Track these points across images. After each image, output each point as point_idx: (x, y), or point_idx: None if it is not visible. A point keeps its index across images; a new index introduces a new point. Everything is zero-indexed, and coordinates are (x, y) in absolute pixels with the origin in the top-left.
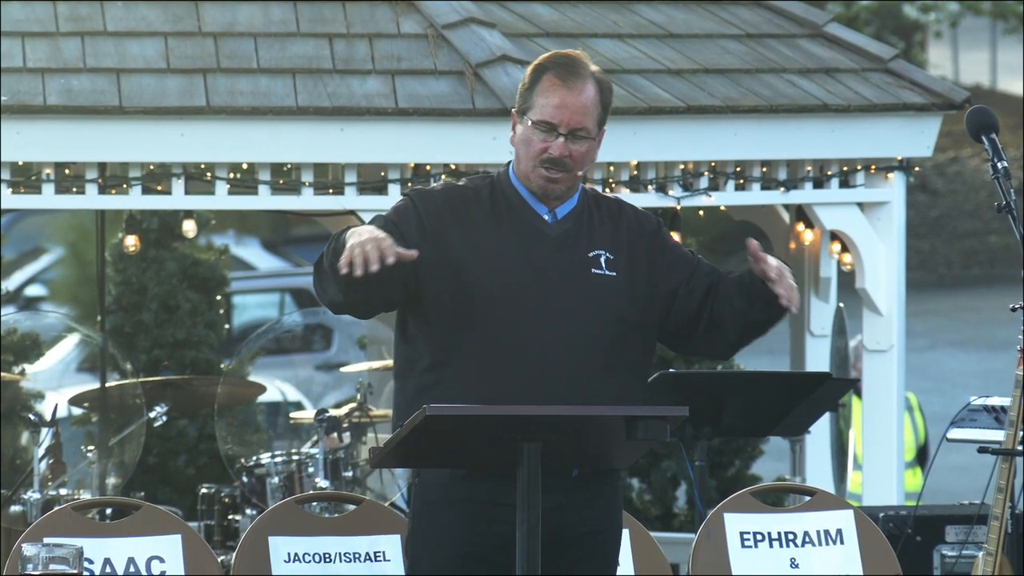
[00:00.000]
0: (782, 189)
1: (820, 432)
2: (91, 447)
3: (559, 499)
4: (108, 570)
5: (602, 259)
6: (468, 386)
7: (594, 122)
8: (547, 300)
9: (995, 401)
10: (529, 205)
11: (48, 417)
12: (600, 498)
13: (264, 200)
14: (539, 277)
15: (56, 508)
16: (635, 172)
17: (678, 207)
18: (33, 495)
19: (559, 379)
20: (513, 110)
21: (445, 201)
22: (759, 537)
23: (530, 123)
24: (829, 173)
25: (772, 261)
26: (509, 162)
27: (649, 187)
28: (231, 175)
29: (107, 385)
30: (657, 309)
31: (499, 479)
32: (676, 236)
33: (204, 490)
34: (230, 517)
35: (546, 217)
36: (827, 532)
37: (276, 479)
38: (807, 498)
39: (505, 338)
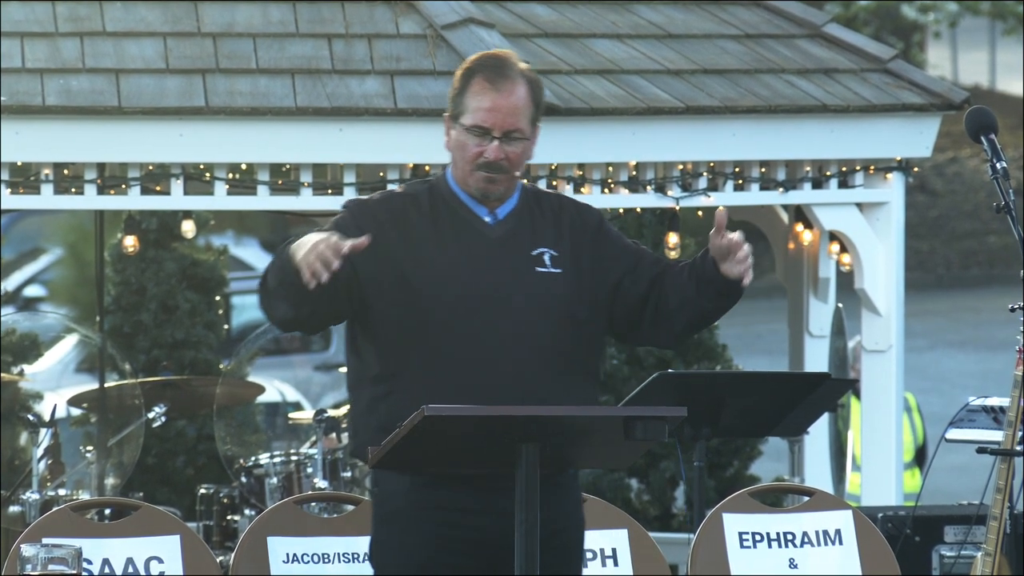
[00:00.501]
0: (781, 189)
1: (819, 433)
2: (90, 447)
3: None
4: (107, 570)
5: (546, 256)
6: (419, 395)
7: (528, 121)
8: (493, 302)
9: (994, 401)
10: (469, 208)
11: (47, 417)
12: (560, 498)
13: (263, 200)
14: (483, 280)
15: (55, 508)
16: (634, 173)
17: (677, 207)
18: (32, 495)
19: (511, 381)
20: (445, 115)
21: (385, 210)
22: (758, 537)
23: (463, 128)
24: (828, 173)
25: (733, 236)
26: (446, 166)
27: (648, 187)
28: (230, 175)
29: (106, 385)
30: (604, 303)
31: (459, 485)
32: (675, 237)
33: (203, 490)
34: (229, 517)
35: (487, 219)
36: (826, 532)
37: (275, 479)
38: (806, 498)
39: (453, 344)
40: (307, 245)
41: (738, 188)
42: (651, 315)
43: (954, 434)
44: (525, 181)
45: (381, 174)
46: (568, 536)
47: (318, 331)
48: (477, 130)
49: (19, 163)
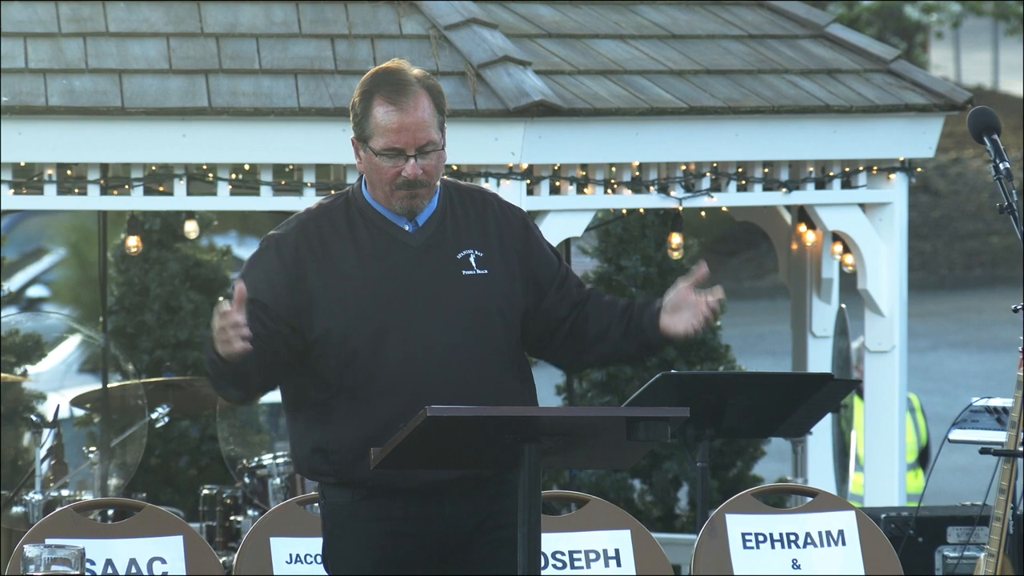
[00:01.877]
0: (784, 190)
1: (822, 433)
2: (93, 448)
3: (471, 501)
4: (110, 571)
5: (472, 258)
6: (358, 414)
7: (437, 130)
8: (422, 312)
9: (997, 402)
10: (387, 219)
11: (50, 418)
12: (507, 495)
13: (266, 201)
14: (409, 291)
15: (58, 509)
16: (637, 173)
17: (680, 208)
18: (35, 496)
19: (450, 388)
20: (352, 137)
21: (303, 240)
22: (761, 538)
23: (375, 152)
24: (831, 174)
25: (711, 300)
26: (360, 178)
27: (651, 188)
28: (233, 176)
29: (109, 386)
30: (529, 305)
31: (401, 495)
32: (678, 237)
33: (206, 491)
34: (232, 518)
35: (406, 227)
36: (829, 533)
37: (278, 480)
38: (809, 499)
39: (387, 360)
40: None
41: (741, 188)
42: (563, 337)
43: (957, 435)
44: (444, 177)
45: None
46: (512, 531)
47: (275, 388)
48: (390, 152)
49: (22, 163)
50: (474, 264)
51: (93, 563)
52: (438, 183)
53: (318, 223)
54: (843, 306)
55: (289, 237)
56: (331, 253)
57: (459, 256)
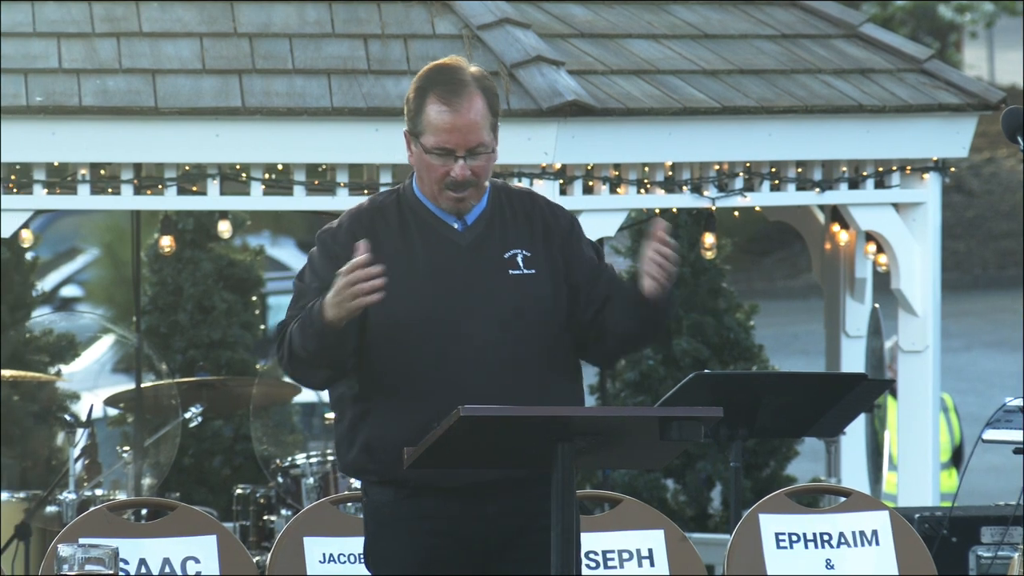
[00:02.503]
0: (817, 190)
1: (855, 433)
2: (126, 448)
3: (514, 502)
4: (143, 571)
5: (519, 258)
6: (400, 412)
7: (488, 132)
8: (468, 311)
9: None
10: (437, 216)
11: (84, 418)
12: (550, 496)
13: (299, 201)
14: (456, 289)
15: (92, 509)
16: (670, 173)
17: (713, 208)
18: (69, 496)
19: (494, 387)
20: (405, 130)
21: (358, 229)
22: (794, 538)
23: (425, 149)
24: (864, 174)
25: (663, 250)
26: (412, 174)
27: (684, 188)
28: (266, 176)
29: (142, 386)
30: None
31: (443, 494)
32: (711, 237)
33: (239, 491)
34: (265, 518)
35: (456, 226)
36: (862, 533)
37: (311, 480)
38: (842, 499)
39: (430, 358)
40: (334, 299)
41: (774, 188)
42: (594, 336)
43: (991, 435)
44: (495, 179)
45: None
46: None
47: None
48: (440, 151)
49: (56, 163)
50: (521, 264)
51: (127, 563)
52: (487, 183)
53: (371, 216)
54: (876, 306)
55: (342, 228)
56: (381, 247)
57: (506, 256)
